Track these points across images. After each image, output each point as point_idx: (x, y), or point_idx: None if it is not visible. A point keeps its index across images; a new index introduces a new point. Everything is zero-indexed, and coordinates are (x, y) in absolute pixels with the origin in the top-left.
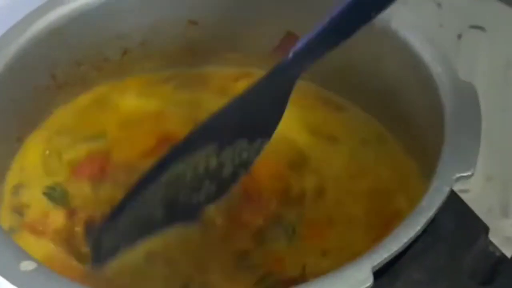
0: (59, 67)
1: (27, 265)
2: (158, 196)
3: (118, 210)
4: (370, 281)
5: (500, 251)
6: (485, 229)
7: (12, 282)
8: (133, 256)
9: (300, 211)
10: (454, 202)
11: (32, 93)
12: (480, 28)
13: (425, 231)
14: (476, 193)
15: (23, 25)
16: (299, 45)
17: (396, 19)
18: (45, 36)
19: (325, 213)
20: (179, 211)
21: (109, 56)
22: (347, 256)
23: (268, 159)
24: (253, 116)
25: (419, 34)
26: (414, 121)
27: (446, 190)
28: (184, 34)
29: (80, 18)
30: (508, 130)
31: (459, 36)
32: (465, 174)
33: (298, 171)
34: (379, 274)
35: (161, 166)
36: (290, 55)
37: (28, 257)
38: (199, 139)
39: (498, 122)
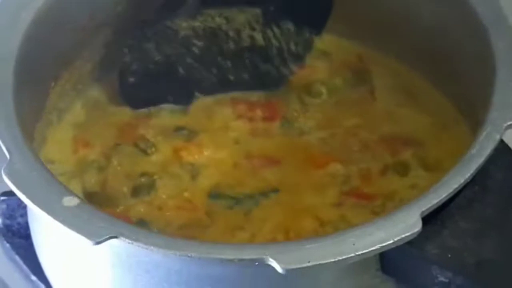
0: (98, 8)
1: (70, 201)
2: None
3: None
4: (418, 226)
5: None
6: None
7: (55, 217)
8: None
9: None
10: (503, 152)
11: (70, 34)
12: None
13: (473, 180)
14: None
15: None
16: None
17: None
18: None
19: None
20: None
21: None
22: None
23: None
24: None
25: None
26: (462, 73)
27: (496, 137)
28: None
29: None
30: None
31: None
32: None
33: None
34: (426, 221)
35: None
36: None
37: (71, 193)
38: None
39: None
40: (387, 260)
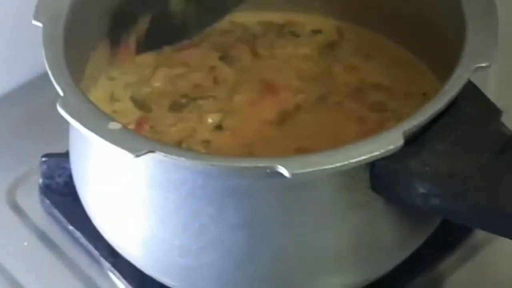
0: None
1: (114, 125)
2: None
3: None
4: (401, 141)
5: (510, 131)
6: (499, 113)
7: (103, 137)
8: None
9: None
10: (473, 92)
11: (107, 9)
12: None
13: (447, 113)
14: None
15: None
16: None
17: None
18: None
19: None
20: None
21: None
22: None
23: None
24: None
25: None
26: (435, 34)
27: (465, 76)
28: None
29: None
30: None
31: None
32: (483, 65)
33: None
34: (408, 143)
35: None
36: None
37: (114, 119)
38: None
39: None
40: (376, 178)
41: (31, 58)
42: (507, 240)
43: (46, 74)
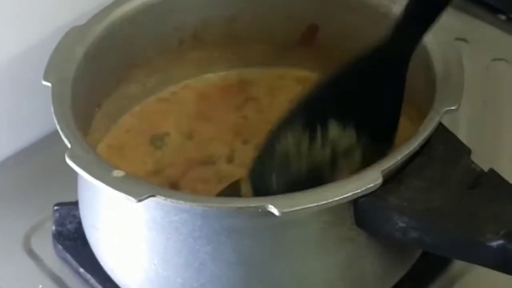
0: (133, 51)
1: (118, 173)
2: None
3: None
4: (379, 179)
5: (479, 167)
6: (468, 151)
7: (107, 184)
8: None
9: None
10: (445, 132)
11: (110, 69)
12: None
13: (422, 152)
14: None
15: (105, 11)
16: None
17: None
18: (121, 22)
19: None
20: None
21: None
22: None
23: None
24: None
25: None
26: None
27: (436, 119)
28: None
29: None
30: None
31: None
32: (452, 108)
33: None
34: (387, 181)
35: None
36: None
37: (117, 168)
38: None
39: None
40: (359, 214)
41: (42, 117)
42: (484, 269)
43: (55, 131)
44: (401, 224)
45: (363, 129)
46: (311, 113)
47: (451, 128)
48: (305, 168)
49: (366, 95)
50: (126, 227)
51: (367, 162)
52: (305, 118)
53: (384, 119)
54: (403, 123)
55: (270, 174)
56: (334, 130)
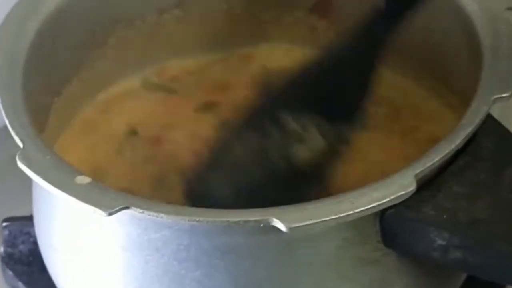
0: (98, 24)
1: (83, 179)
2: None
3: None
4: (413, 186)
5: None
6: None
7: (69, 193)
8: None
9: None
10: (494, 126)
11: (71, 49)
12: None
13: (465, 151)
14: None
15: None
16: None
17: None
18: None
19: None
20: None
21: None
22: None
23: None
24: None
25: None
26: (451, 66)
27: (484, 110)
28: None
29: None
30: None
31: None
32: (503, 95)
33: None
34: (422, 187)
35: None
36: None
37: (81, 173)
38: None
39: None
40: (386, 229)
41: None
42: None
43: (4, 127)
44: (440, 242)
45: (322, 116)
46: (265, 109)
47: (503, 120)
48: (265, 169)
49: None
50: (94, 246)
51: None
52: (259, 115)
53: (345, 102)
54: (443, 111)
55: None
56: (289, 123)
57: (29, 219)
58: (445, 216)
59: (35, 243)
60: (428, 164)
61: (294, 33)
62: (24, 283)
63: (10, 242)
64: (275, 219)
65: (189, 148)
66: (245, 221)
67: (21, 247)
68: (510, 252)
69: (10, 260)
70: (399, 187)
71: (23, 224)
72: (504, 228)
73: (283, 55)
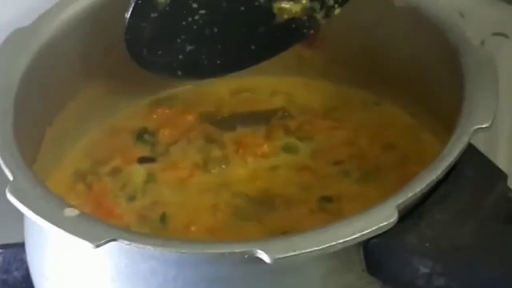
0: (91, 53)
1: (71, 212)
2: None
3: None
4: (394, 216)
5: None
6: (504, 177)
7: (58, 226)
8: None
9: None
10: (475, 154)
11: (63, 78)
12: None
13: (446, 179)
14: None
15: (56, 10)
16: None
17: None
18: (77, 21)
19: None
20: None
21: None
22: None
23: None
24: None
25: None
26: (433, 93)
27: (465, 140)
28: None
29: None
30: None
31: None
32: (483, 126)
33: None
34: (405, 216)
35: None
36: None
37: (70, 205)
38: None
39: None
40: (370, 259)
41: None
42: None
43: None
44: (424, 270)
45: None
46: None
47: (488, 147)
48: None
49: None
50: (82, 276)
51: None
52: None
53: None
54: (427, 138)
55: None
56: None
57: (23, 245)
58: (427, 245)
59: (28, 269)
60: (410, 195)
61: None
62: None
63: (4, 269)
64: (259, 251)
65: None
66: (230, 253)
67: (15, 273)
68: (493, 278)
69: (4, 286)
70: (381, 218)
71: (17, 251)
72: (486, 254)
73: None
